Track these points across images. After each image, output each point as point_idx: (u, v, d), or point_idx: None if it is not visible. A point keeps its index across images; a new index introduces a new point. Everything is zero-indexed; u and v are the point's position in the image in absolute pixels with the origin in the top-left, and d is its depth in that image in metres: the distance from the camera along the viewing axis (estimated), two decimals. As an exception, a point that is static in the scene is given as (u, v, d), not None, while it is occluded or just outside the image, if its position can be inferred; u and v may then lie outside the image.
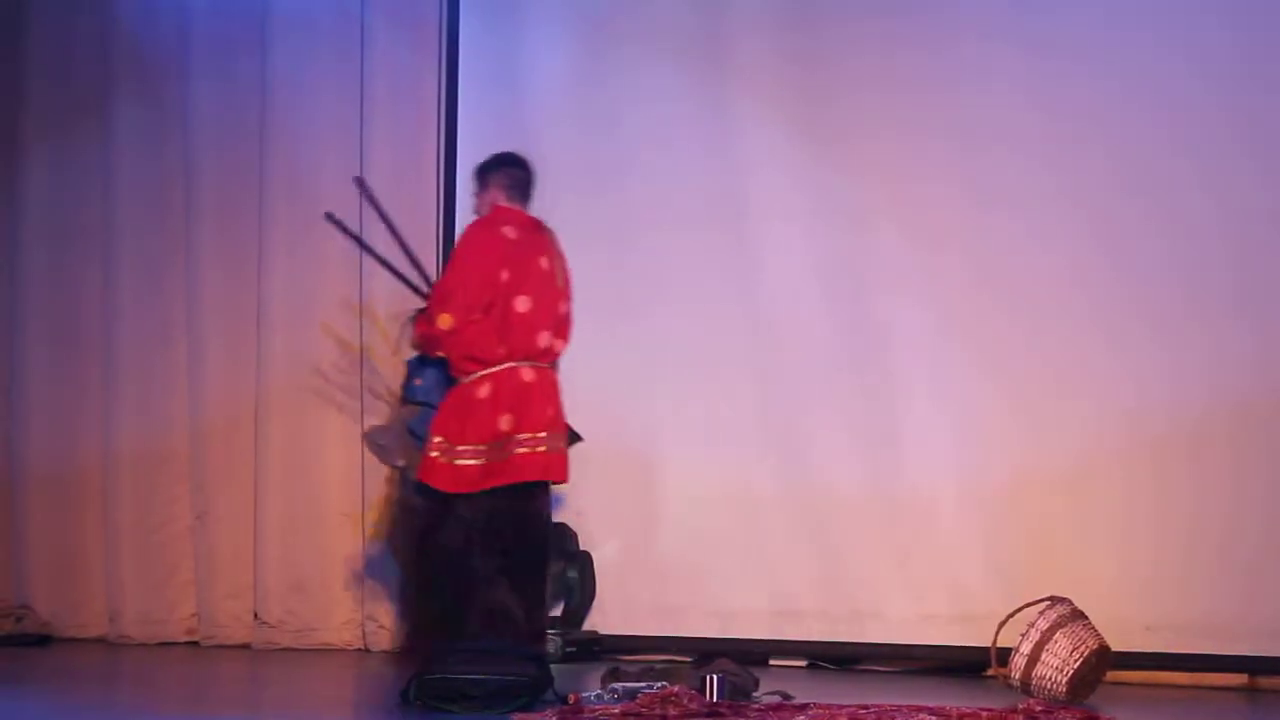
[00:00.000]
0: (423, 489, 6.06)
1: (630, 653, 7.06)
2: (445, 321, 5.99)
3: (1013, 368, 6.75)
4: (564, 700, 5.01)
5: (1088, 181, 6.68)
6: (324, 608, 7.71)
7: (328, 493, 7.75)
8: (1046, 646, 5.50)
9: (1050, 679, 5.49)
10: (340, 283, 7.76)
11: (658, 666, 5.68)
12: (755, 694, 5.29)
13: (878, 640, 6.88)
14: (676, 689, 4.85)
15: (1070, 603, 5.64)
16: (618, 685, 5.03)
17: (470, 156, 7.63)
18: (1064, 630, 5.52)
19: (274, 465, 7.79)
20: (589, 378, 7.30)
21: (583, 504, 7.27)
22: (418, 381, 6.35)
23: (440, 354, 6.12)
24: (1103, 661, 5.59)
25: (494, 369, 5.98)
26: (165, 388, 8.10)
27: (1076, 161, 6.69)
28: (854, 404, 6.98)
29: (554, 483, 6.11)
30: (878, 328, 6.98)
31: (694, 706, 4.77)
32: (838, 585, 6.94)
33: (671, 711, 4.71)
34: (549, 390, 6.07)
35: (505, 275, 5.98)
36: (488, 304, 5.97)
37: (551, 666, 5.40)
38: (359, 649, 7.65)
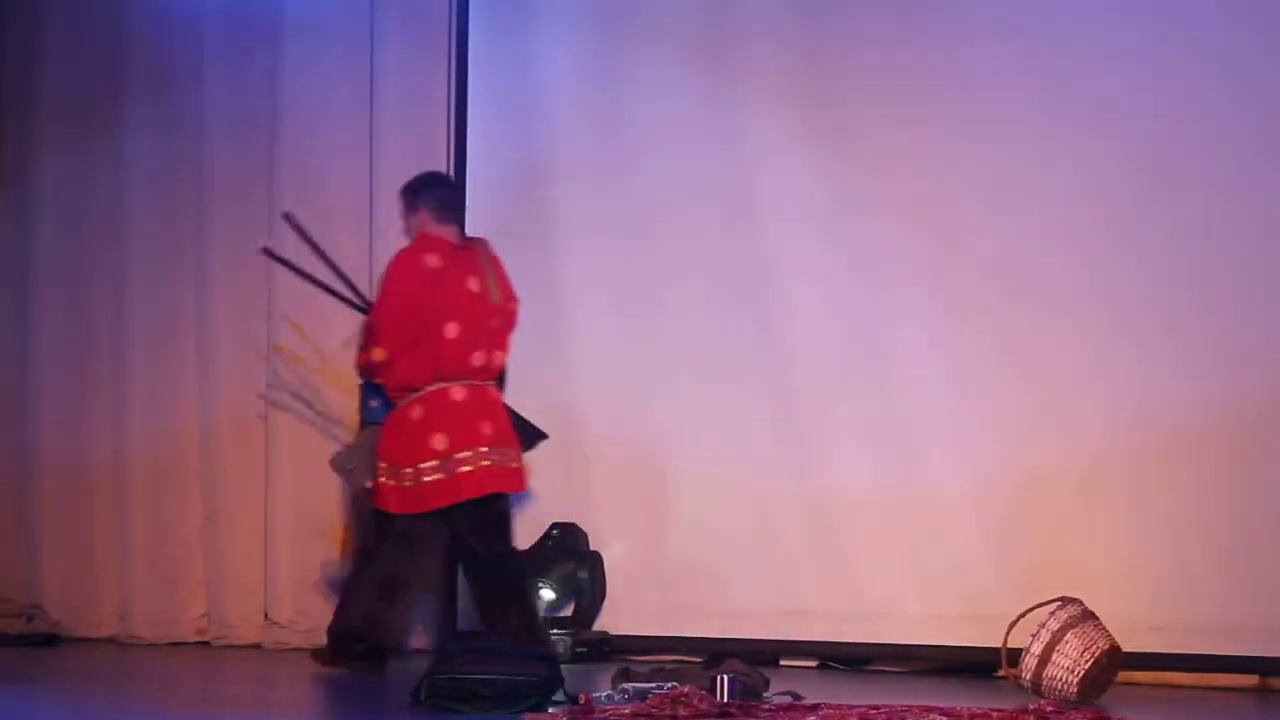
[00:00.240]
0: (378, 512, 6.43)
1: (640, 653, 7.05)
2: (378, 354, 6.34)
3: (1025, 366, 6.71)
4: (575, 700, 5.00)
5: (1102, 178, 6.65)
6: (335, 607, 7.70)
7: (339, 492, 7.74)
8: (1057, 647, 5.49)
9: (1061, 680, 5.47)
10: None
11: (668, 667, 5.69)
12: (766, 694, 5.28)
13: (888, 640, 6.86)
14: (687, 689, 4.84)
15: (1081, 603, 5.63)
16: (628, 686, 5.02)
17: (480, 153, 7.71)
18: (1075, 631, 5.51)
19: (285, 464, 7.80)
20: (598, 376, 7.34)
21: (592, 504, 7.28)
22: (373, 403, 6.67)
23: (378, 381, 6.44)
24: (1114, 662, 5.58)
25: (424, 390, 6.29)
26: (176, 387, 8.10)
27: (1092, 158, 6.66)
28: (864, 403, 6.96)
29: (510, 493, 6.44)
30: (889, 325, 6.96)
31: (704, 707, 4.76)
32: (848, 585, 6.92)
33: (682, 712, 4.70)
34: (484, 407, 6.34)
35: (431, 304, 6.24)
36: (415, 336, 6.27)
37: (562, 667, 5.40)
38: (369, 648, 7.64)
